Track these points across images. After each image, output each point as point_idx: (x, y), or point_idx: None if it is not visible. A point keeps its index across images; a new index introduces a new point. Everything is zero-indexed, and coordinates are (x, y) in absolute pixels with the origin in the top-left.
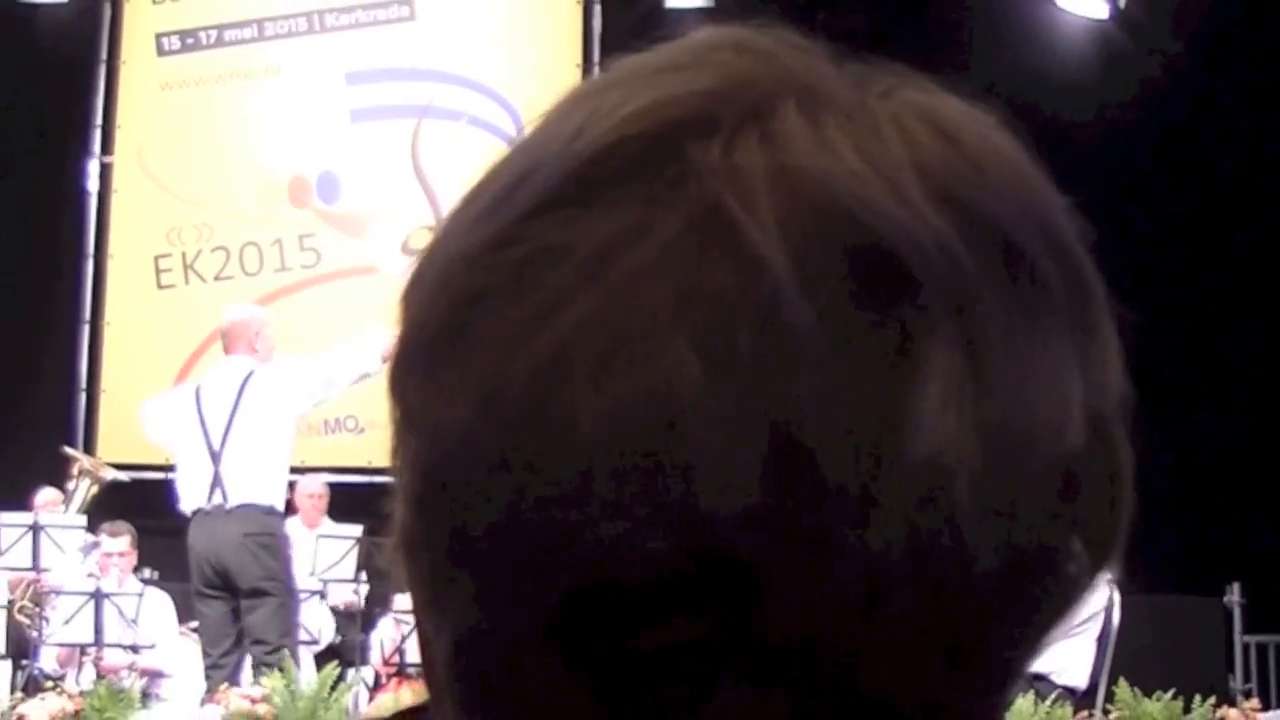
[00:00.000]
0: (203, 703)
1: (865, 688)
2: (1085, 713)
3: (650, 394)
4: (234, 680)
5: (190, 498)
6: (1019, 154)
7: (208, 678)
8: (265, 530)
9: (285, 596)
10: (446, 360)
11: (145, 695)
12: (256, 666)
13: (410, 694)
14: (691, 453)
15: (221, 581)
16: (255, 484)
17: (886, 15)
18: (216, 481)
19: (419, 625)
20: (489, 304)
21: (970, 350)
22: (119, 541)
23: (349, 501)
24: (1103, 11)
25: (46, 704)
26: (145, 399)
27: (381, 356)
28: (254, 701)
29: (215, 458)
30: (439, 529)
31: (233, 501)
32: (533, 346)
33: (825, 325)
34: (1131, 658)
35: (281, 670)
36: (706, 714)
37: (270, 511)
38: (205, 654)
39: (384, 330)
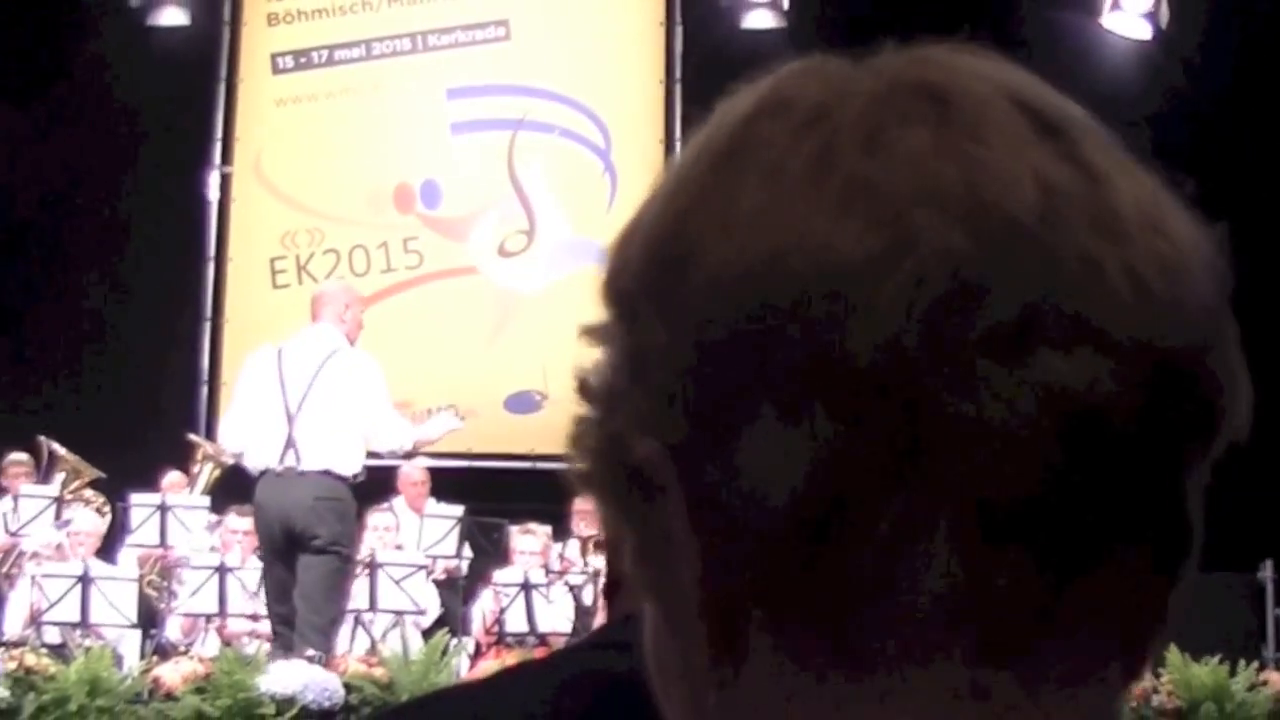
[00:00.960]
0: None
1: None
2: None
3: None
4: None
5: (261, 456)
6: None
7: (277, 632)
8: (336, 495)
9: (343, 562)
10: (721, 201)
11: (269, 659)
12: (300, 628)
13: (513, 660)
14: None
15: (286, 544)
16: (329, 450)
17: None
18: (290, 443)
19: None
20: (747, 157)
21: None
22: (245, 521)
23: (450, 484)
24: (1146, 33)
25: (179, 667)
26: None
27: (414, 445)
28: (370, 665)
29: (290, 420)
30: (727, 409)
31: (305, 465)
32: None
33: None
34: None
35: (324, 634)
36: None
37: (342, 479)
38: (271, 610)
39: (423, 427)
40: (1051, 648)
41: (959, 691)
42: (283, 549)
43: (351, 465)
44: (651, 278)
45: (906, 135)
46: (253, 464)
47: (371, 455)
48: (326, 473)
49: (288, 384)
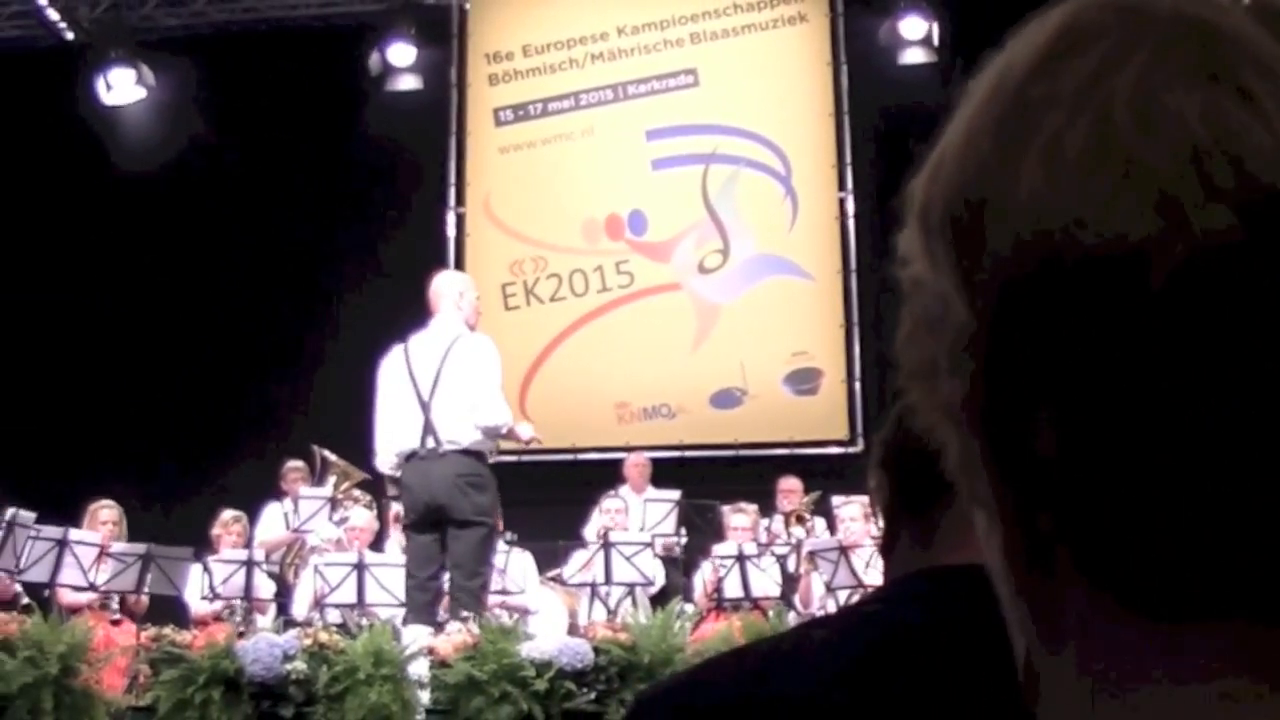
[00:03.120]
0: (570, 632)
1: None
2: None
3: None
4: (436, 603)
5: (402, 442)
6: None
7: (410, 596)
8: (475, 471)
9: (489, 531)
10: (1005, 173)
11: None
12: (452, 593)
13: (739, 623)
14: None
15: (433, 517)
16: (464, 430)
17: None
18: (428, 428)
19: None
20: (1029, 123)
21: None
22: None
23: (667, 473)
24: None
25: (451, 638)
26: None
27: (507, 433)
28: (615, 631)
29: (425, 406)
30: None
31: (445, 446)
32: (1085, 116)
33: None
34: None
35: (477, 597)
36: None
37: (479, 456)
38: (411, 575)
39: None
40: None
41: None
42: (427, 523)
43: (487, 441)
44: (948, 235)
45: (1177, 103)
46: (399, 449)
47: (580, 450)
48: (464, 451)
49: (417, 374)
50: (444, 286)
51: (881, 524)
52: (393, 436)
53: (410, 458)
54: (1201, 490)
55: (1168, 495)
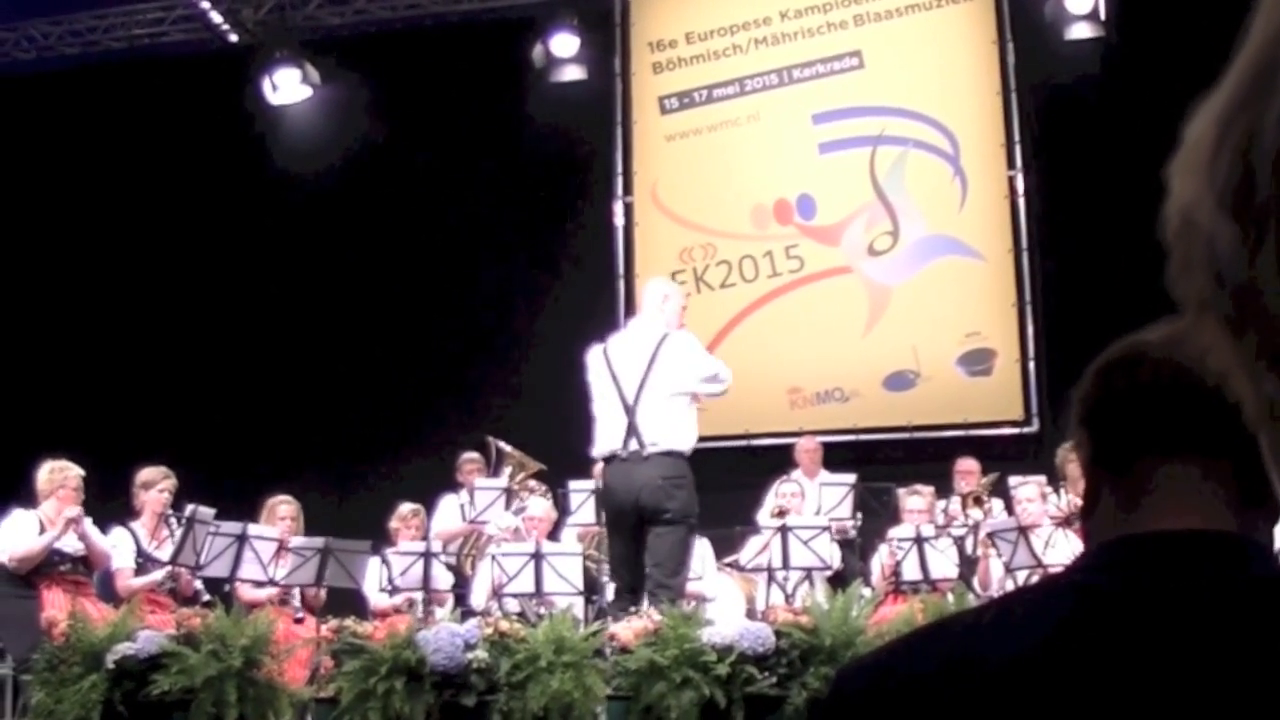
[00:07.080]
0: (756, 616)
1: None
2: None
3: None
4: (638, 599)
5: (606, 443)
6: None
7: (619, 596)
8: (678, 472)
9: (689, 531)
10: None
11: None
12: (652, 590)
13: (920, 605)
14: None
15: (635, 519)
16: (667, 432)
17: None
18: (631, 430)
19: None
20: None
21: None
22: None
23: (842, 456)
24: None
25: (632, 625)
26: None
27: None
28: (796, 614)
29: (629, 410)
30: None
31: (648, 449)
32: None
33: None
34: None
35: (675, 593)
36: None
37: (680, 456)
38: (616, 574)
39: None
40: None
41: None
42: (630, 525)
43: (688, 441)
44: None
45: None
46: (600, 450)
47: (753, 436)
48: (667, 453)
49: (620, 376)
50: (649, 291)
51: (1079, 486)
52: (597, 437)
53: (611, 459)
54: None
55: None
